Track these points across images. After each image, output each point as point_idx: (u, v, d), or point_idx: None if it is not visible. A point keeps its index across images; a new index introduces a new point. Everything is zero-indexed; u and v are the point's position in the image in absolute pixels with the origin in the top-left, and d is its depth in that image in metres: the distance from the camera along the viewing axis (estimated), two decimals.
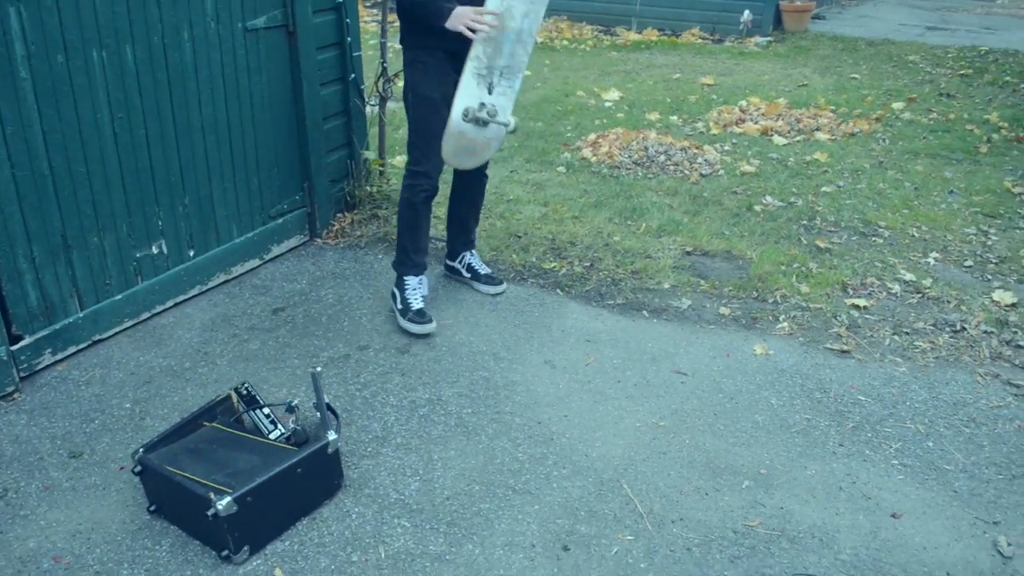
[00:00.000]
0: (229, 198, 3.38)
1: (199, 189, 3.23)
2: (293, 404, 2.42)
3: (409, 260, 3.14)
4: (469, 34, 2.75)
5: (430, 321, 3.07)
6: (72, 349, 2.94)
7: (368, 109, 3.89)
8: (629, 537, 2.18)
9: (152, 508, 2.24)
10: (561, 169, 4.83)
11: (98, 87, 2.81)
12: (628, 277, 3.49)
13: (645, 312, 3.25)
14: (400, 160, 4.53)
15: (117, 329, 3.07)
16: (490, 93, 2.90)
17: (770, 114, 5.95)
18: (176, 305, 3.25)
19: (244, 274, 3.51)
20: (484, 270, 3.43)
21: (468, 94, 2.86)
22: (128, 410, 2.67)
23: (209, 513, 2.00)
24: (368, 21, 9.20)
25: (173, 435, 2.30)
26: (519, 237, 3.86)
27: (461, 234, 3.43)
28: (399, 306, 3.14)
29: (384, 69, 3.86)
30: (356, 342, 3.04)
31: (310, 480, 2.21)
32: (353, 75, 3.76)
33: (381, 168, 4.06)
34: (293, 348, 2.99)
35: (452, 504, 2.28)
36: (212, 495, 2.01)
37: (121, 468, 2.43)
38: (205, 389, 2.77)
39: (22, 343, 2.80)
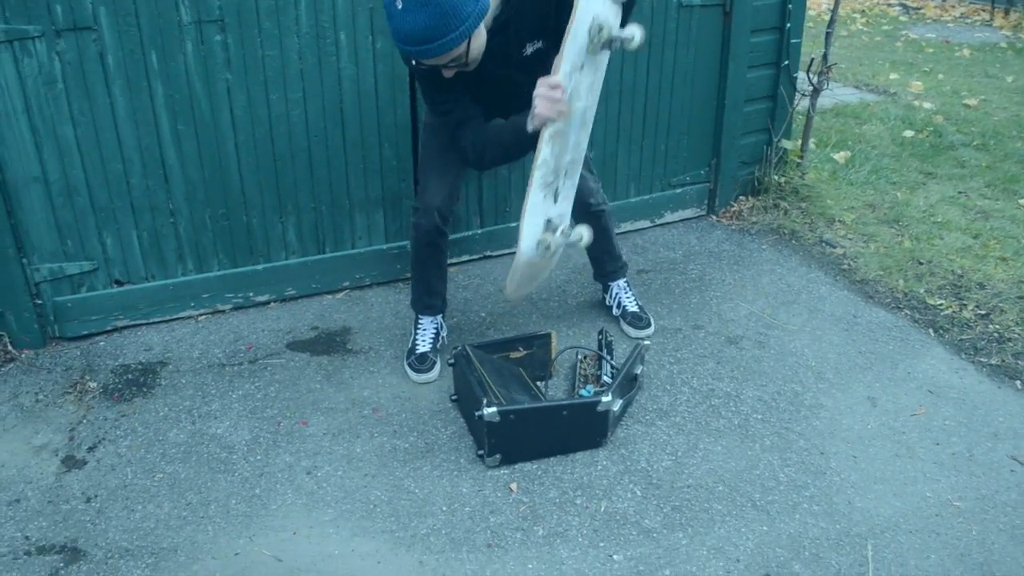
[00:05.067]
0: (633, 160, 3.66)
1: (605, 147, 3.55)
2: (637, 374, 2.67)
3: (419, 300, 2.89)
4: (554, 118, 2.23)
5: (430, 369, 2.80)
6: (466, 257, 3.53)
7: (797, 97, 3.82)
8: None
9: (454, 398, 2.70)
10: (1023, 202, 4.20)
11: None
12: (1023, 338, 3.01)
13: (1019, 383, 2.81)
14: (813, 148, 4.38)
15: (506, 251, 3.58)
16: (555, 201, 2.40)
17: None
18: None
19: (631, 232, 3.79)
20: (632, 307, 3.08)
21: (536, 214, 2.35)
22: (482, 319, 3.17)
23: (477, 413, 2.37)
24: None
25: (492, 347, 2.71)
26: (920, 264, 3.52)
27: (595, 267, 3.14)
28: (408, 344, 2.93)
29: (825, 58, 3.74)
30: (694, 320, 3.15)
31: (572, 426, 2.44)
32: (787, 62, 3.72)
33: (799, 159, 3.98)
34: None
35: (689, 492, 2.35)
36: (485, 400, 2.37)
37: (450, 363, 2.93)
38: (548, 322, 3.14)
39: None
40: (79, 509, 2.28)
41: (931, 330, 3.10)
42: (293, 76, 2.94)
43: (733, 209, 3.94)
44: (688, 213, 3.91)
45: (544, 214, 2.37)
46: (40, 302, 2.90)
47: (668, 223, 3.88)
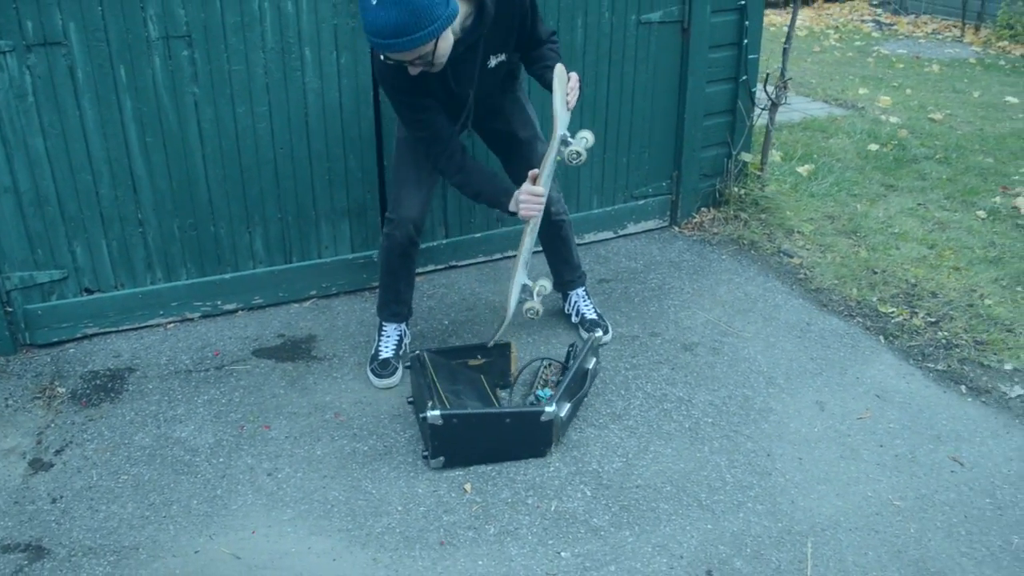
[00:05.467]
0: (595, 173, 3.75)
1: None
2: (589, 368, 2.77)
3: (386, 307, 2.97)
4: (528, 216, 2.61)
5: (392, 375, 2.89)
6: (431, 267, 3.61)
7: (756, 111, 3.93)
8: None
9: (409, 400, 2.77)
10: (981, 214, 4.30)
11: None
12: (970, 345, 3.11)
13: (963, 387, 2.90)
14: (778, 160, 4.49)
15: (471, 261, 3.66)
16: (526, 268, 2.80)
17: None
18: None
19: (594, 243, 3.88)
20: (590, 315, 3.17)
21: (519, 287, 2.75)
22: (445, 326, 3.25)
23: (421, 415, 2.46)
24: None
25: (452, 353, 2.79)
26: (875, 273, 3.62)
27: (555, 277, 3.20)
28: (372, 350, 3.02)
29: (782, 73, 3.85)
30: (651, 327, 3.24)
31: (516, 434, 2.52)
32: (745, 77, 3.82)
33: (759, 172, 4.08)
34: None
35: (637, 493, 2.43)
36: (430, 403, 2.45)
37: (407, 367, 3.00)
38: (510, 330, 3.19)
39: None
40: (44, 509, 2.33)
41: (882, 337, 3.20)
42: (259, 90, 3.02)
43: (695, 220, 4.04)
44: (650, 224, 4.01)
45: (522, 282, 2.77)
46: (11, 310, 2.95)
47: (631, 234, 3.98)
